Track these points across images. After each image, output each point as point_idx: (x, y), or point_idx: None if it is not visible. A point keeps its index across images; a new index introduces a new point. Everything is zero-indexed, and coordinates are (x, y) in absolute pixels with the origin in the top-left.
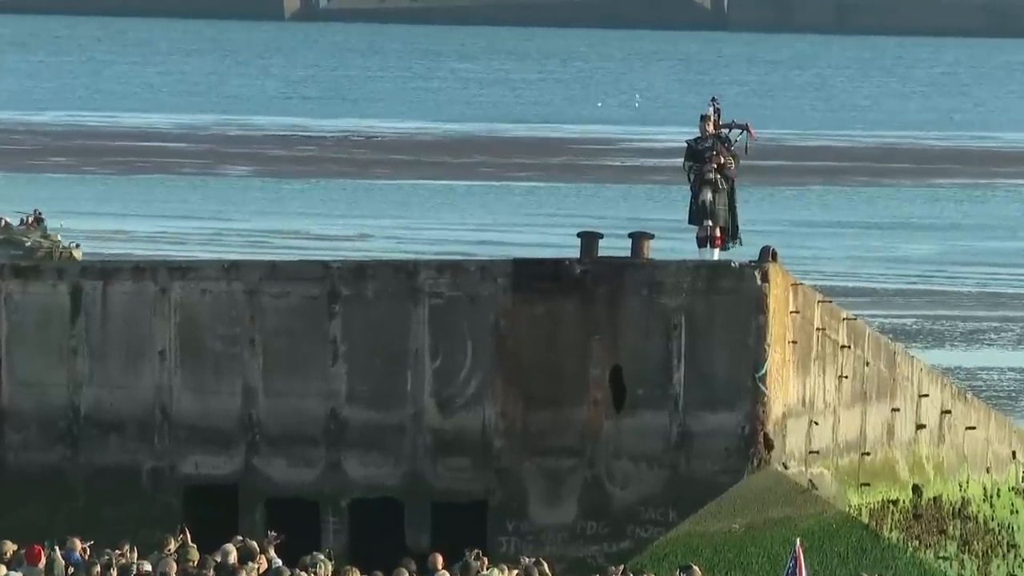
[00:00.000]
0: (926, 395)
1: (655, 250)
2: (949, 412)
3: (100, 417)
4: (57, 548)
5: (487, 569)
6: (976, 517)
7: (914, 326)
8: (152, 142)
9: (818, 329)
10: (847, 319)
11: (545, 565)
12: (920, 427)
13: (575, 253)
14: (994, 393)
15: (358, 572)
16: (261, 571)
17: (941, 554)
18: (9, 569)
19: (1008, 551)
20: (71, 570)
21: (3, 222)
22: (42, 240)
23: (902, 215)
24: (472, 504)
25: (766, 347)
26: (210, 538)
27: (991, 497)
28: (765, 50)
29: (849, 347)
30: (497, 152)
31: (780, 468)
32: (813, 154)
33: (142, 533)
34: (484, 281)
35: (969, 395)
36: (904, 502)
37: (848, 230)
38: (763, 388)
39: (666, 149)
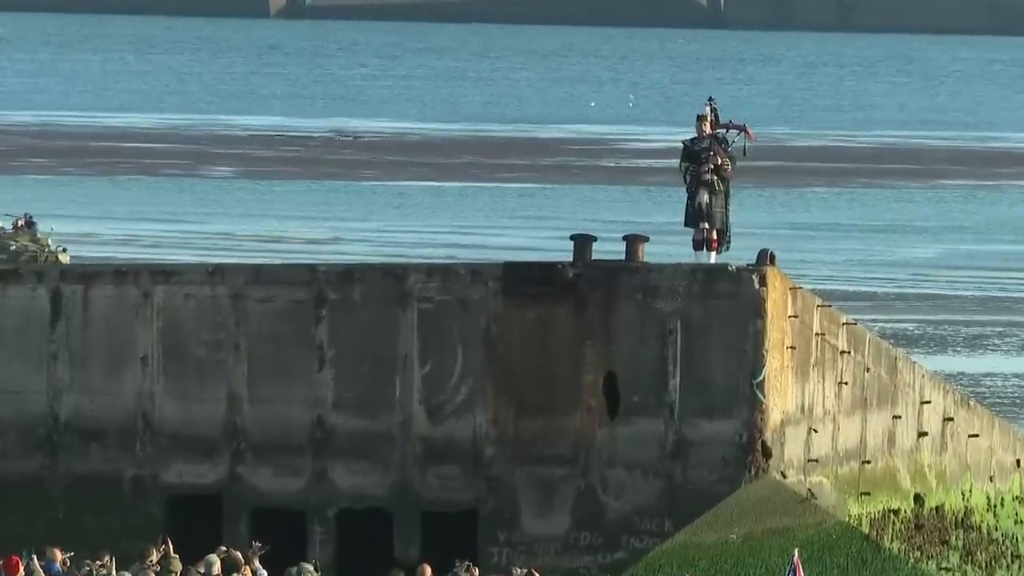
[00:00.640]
0: (928, 402)
1: (650, 253)
2: (952, 419)
3: (80, 424)
4: (35, 558)
5: None
6: (979, 527)
7: (916, 331)
8: (134, 142)
9: (817, 334)
10: (847, 324)
11: None
12: (922, 435)
13: (568, 256)
14: (998, 400)
15: None
16: None
17: (944, 565)
18: None
19: (1012, 562)
20: None
21: None
22: (28, 244)
23: (904, 217)
24: (462, 514)
25: (764, 353)
26: (193, 549)
27: (995, 506)
28: (763, 49)
29: (849, 352)
30: (488, 153)
31: (778, 477)
32: (813, 154)
33: (123, 543)
34: (474, 285)
35: (972, 402)
36: (905, 512)
37: (848, 232)
38: (761, 395)
39: (661, 149)
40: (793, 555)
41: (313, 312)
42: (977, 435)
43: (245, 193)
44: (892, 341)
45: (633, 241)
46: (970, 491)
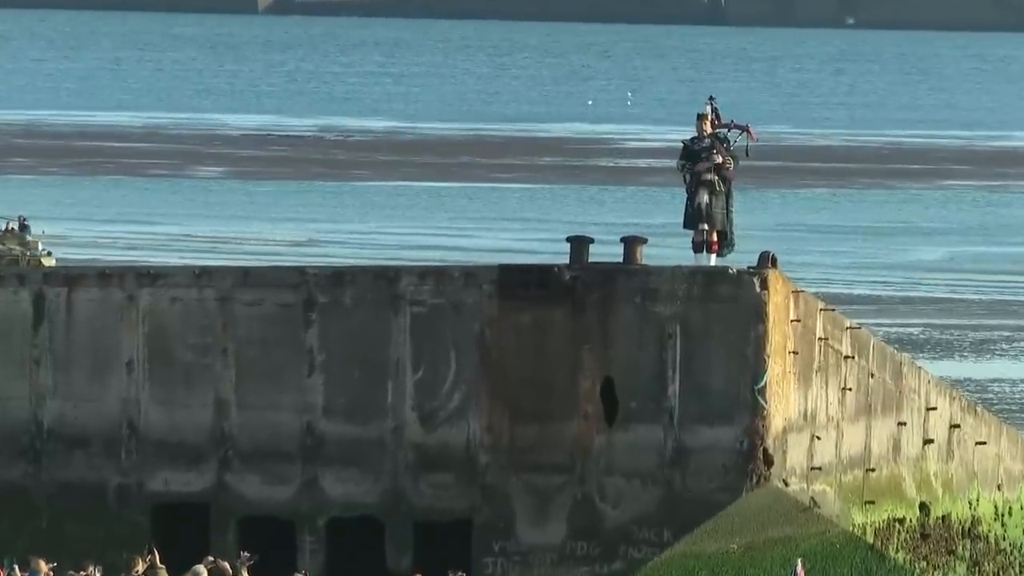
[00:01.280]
0: (934, 408)
1: (649, 255)
2: (958, 426)
3: (64, 431)
4: (18, 568)
5: None
6: (987, 537)
7: (921, 335)
8: (118, 142)
9: (820, 339)
10: (851, 328)
11: None
12: (928, 442)
13: (564, 259)
14: (1006, 406)
15: None
16: None
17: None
18: None
19: (1020, 572)
20: None
21: None
22: (13, 247)
23: (909, 218)
24: (456, 523)
25: (766, 358)
26: (180, 559)
27: (1002, 516)
28: (764, 46)
29: (853, 358)
30: (483, 152)
31: (780, 485)
32: (815, 154)
33: (108, 554)
34: (469, 288)
35: (979, 408)
36: (911, 521)
37: (852, 234)
38: (762, 401)
39: (661, 149)
40: (796, 565)
41: (303, 316)
42: (984, 442)
43: (233, 194)
44: (897, 346)
45: (631, 243)
46: (977, 500)
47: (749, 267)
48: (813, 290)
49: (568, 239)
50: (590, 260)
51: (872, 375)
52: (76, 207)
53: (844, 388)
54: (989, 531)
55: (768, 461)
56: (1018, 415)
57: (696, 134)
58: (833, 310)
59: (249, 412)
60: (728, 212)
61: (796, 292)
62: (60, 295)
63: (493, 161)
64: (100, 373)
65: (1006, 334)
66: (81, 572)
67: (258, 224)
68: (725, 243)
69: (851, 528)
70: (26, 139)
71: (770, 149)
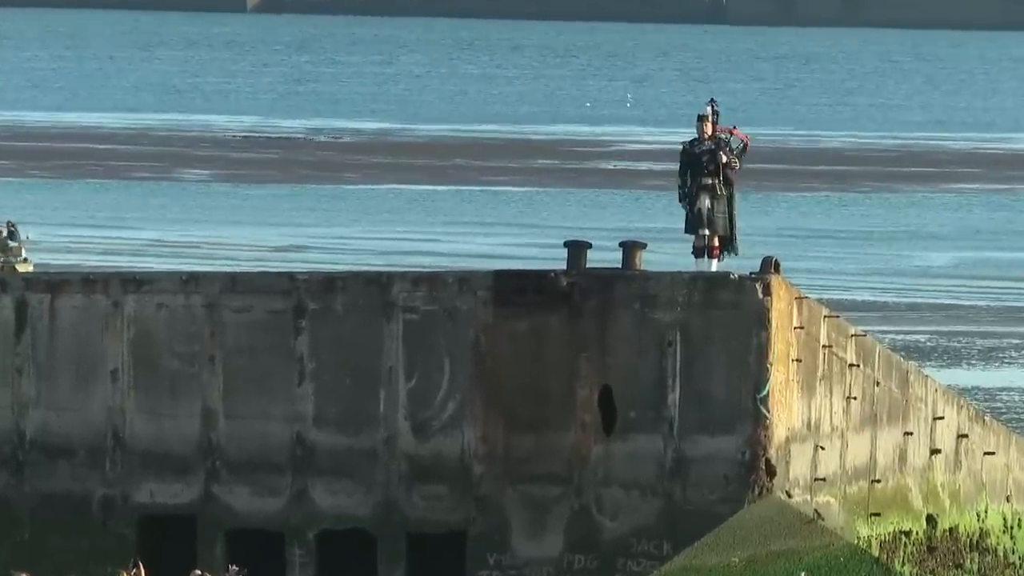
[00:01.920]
0: (941, 418)
1: (648, 261)
2: (966, 436)
3: (47, 441)
4: None
5: None
6: (995, 550)
7: (928, 343)
8: (103, 143)
9: (824, 346)
10: (856, 335)
11: None
12: (935, 452)
13: (561, 264)
14: (1015, 416)
15: None
16: None
17: None
18: None
19: None
20: None
21: None
22: None
23: (915, 223)
24: (450, 535)
25: (768, 366)
26: (166, 572)
27: (1011, 528)
28: (766, 45)
29: (858, 366)
30: (477, 154)
31: (783, 497)
32: (819, 157)
33: (92, 567)
34: (463, 294)
35: (988, 418)
36: (917, 533)
37: (857, 239)
38: (765, 410)
39: (661, 151)
40: None
41: (292, 323)
42: (993, 453)
43: (221, 197)
44: (903, 353)
45: (630, 248)
46: (985, 512)
47: (751, 272)
48: (817, 296)
49: (565, 244)
50: (588, 266)
51: (877, 384)
52: (59, 211)
53: (849, 397)
54: (998, 544)
55: (771, 472)
56: None
57: (696, 136)
58: (837, 317)
59: (237, 422)
60: (731, 216)
61: (799, 298)
62: (43, 302)
63: (488, 164)
64: (84, 382)
65: (1015, 342)
66: None
67: (247, 228)
68: (728, 248)
69: (856, 541)
70: (7, 140)
71: (772, 151)
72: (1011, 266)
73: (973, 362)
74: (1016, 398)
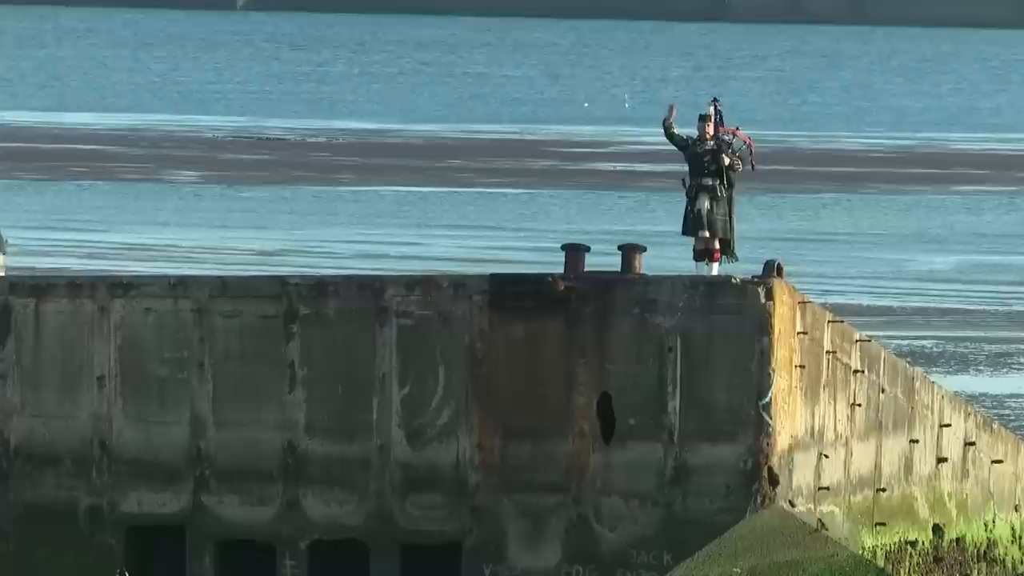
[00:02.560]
0: (948, 425)
1: (648, 265)
2: (974, 444)
3: (32, 450)
4: None
5: None
6: (1003, 560)
7: (935, 348)
8: (89, 144)
9: (828, 352)
10: (860, 341)
11: None
12: (941, 461)
13: (559, 268)
14: None
15: None
16: None
17: None
18: None
19: None
20: None
21: None
22: None
23: (922, 225)
24: (445, 546)
25: (770, 372)
26: None
27: (1020, 538)
28: (771, 43)
29: (863, 372)
30: (473, 155)
31: (786, 506)
32: (823, 158)
33: None
34: (458, 299)
35: (996, 425)
36: (924, 544)
37: (862, 242)
38: (767, 418)
39: (660, 152)
40: None
41: (283, 328)
42: (1001, 461)
43: (211, 199)
44: (909, 359)
45: (629, 251)
46: (993, 522)
47: (753, 276)
48: (821, 301)
49: (563, 247)
50: (586, 269)
51: (883, 390)
52: (44, 213)
53: (853, 404)
54: (1006, 555)
55: (773, 481)
56: None
57: (697, 136)
58: (842, 322)
59: (227, 429)
60: (730, 218)
61: (803, 303)
62: (28, 306)
63: (483, 165)
64: (70, 388)
65: None
66: None
67: (237, 231)
68: (727, 253)
69: (861, 551)
70: None
71: (776, 152)
72: (1021, 270)
73: (981, 368)
74: None
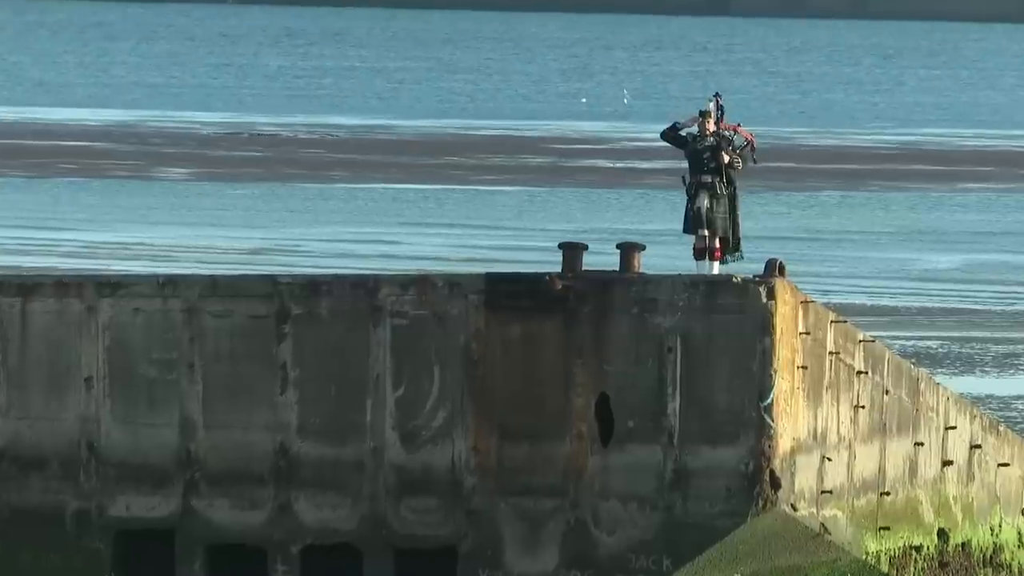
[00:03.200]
0: (953, 427)
1: (647, 263)
2: (980, 447)
3: (18, 453)
4: None
5: None
6: (1010, 565)
7: (940, 349)
8: (76, 140)
9: (831, 353)
10: (864, 341)
11: None
12: (947, 464)
13: (556, 267)
14: None
15: None
16: None
17: None
18: None
19: None
20: None
21: None
22: None
23: (927, 224)
24: (440, 550)
25: (772, 373)
26: None
27: None
28: (772, 38)
29: (866, 373)
30: (469, 152)
31: (788, 510)
32: (826, 155)
33: None
34: (453, 298)
35: (1002, 427)
36: (928, 548)
37: (866, 240)
38: (769, 419)
39: (658, 149)
40: None
41: (275, 328)
42: (1008, 464)
43: (202, 197)
44: (914, 360)
45: (628, 250)
46: (999, 526)
47: (755, 275)
48: (824, 300)
49: (560, 246)
50: (584, 268)
51: (887, 392)
52: (30, 211)
53: (857, 406)
54: (1012, 559)
55: (775, 484)
56: None
57: (697, 132)
58: (845, 322)
59: (217, 432)
60: (734, 217)
61: (805, 302)
62: (14, 306)
63: (479, 162)
64: (57, 390)
65: None
66: None
67: (228, 229)
68: (730, 251)
69: (864, 556)
70: None
71: (777, 149)
72: None
73: (987, 369)
74: None
